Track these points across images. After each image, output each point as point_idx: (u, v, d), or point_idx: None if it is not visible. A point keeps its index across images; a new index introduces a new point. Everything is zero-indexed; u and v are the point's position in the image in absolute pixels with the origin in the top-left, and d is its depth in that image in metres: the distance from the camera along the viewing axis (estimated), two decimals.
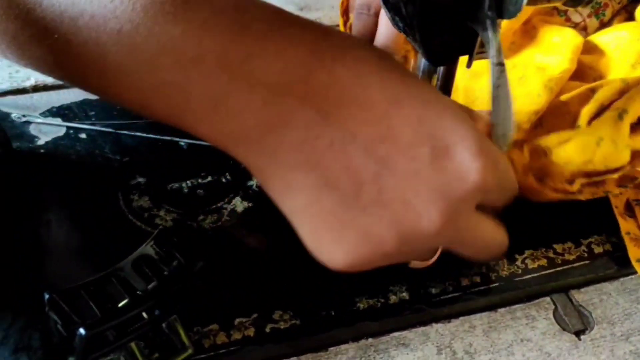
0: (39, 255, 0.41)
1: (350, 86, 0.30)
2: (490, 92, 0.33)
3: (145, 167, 0.47)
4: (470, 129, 0.31)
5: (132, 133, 0.49)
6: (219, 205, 0.45)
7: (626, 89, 0.47)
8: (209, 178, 0.47)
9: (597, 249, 0.44)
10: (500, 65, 0.33)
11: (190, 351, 0.36)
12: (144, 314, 0.34)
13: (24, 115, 0.50)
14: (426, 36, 0.34)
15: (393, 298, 0.40)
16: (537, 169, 0.46)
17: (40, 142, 0.48)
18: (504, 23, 0.51)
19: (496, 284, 0.42)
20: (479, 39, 0.35)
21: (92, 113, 0.50)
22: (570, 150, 0.45)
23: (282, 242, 0.42)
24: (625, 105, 0.47)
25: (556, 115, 0.48)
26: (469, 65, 0.36)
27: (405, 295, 0.41)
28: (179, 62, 0.30)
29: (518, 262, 0.43)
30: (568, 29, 0.52)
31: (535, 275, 0.42)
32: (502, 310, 0.41)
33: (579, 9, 0.57)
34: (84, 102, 0.51)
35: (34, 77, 0.53)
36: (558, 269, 0.43)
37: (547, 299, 0.41)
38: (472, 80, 0.50)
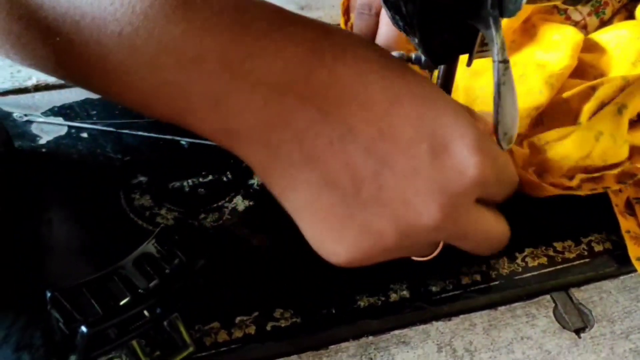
0: (41, 253, 0.41)
1: (350, 85, 0.30)
2: (494, 90, 0.33)
3: (147, 166, 0.47)
4: (469, 125, 0.32)
5: (134, 132, 0.49)
6: (220, 203, 0.45)
7: (627, 86, 0.47)
8: (210, 177, 0.47)
9: (597, 247, 0.44)
10: (504, 62, 0.33)
11: (191, 349, 0.36)
12: (146, 312, 0.35)
13: (25, 115, 0.50)
14: (426, 35, 0.34)
15: (393, 296, 0.40)
16: (537, 164, 0.46)
17: (42, 141, 0.48)
18: (505, 22, 0.51)
19: (496, 282, 0.42)
20: (478, 38, 0.35)
21: (94, 112, 0.51)
22: (568, 145, 0.45)
23: (283, 240, 0.43)
24: (625, 101, 0.47)
25: (557, 113, 0.48)
26: (469, 64, 0.36)
27: (405, 293, 0.41)
28: (180, 62, 0.30)
29: (518, 261, 0.43)
30: (568, 26, 0.52)
31: (536, 273, 0.42)
32: (502, 308, 0.41)
33: (579, 7, 0.57)
34: (86, 102, 0.51)
35: (36, 76, 0.54)
36: (558, 267, 0.43)
37: (547, 297, 0.41)
38: (472, 80, 0.51)
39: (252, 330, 0.38)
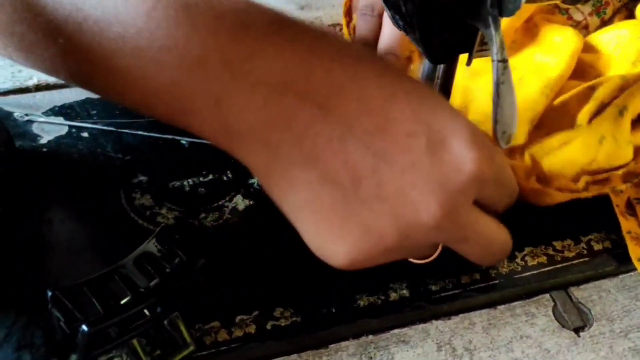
0: (42, 253, 0.41)
1: (348, 84, 0.31)
2: (493, 89, 0.33)
3: (147, 166, 0.47)
4: (464, 122, 0.32)
5: (134, 132, 0.49)
6: (220, 203, 0.45)
7: (626, 86, 0.47)
8: (211, 176, 0.47)
9: (597, 246, 0.45)
10: (503, 62, 0.33)
11: (191, 348, 0.37)
12: (146, 311, 0.35)
13: (26, 114, 0.50)
14: (426, 34, 0.34)
15: (393, 295, 0.41)
16: (540, 173, 0.46)
17: (43, 140, 0.48)
18: (506, 21, 0.52)
19: (496, 281, 0.42)
20: (478, 37, 0.35)
21: (94, 112, 0.51)
22: (573, 151, 0.45)
23: (283, 239, 0.43)
24: (625, 102, 0.47)
25: (556, 116, 0.48)
26: (468, 63, 0.36)
27: (405, 292, 0.41)
28: (182, 63, 0.30)
29: (518, 260, 0.43)
30: (569, 28, 0.52)
31: (535, 272, 0.43)
32: (501, 307, 0.41)
33: (581, 7, 0.57)
34: (86, 101, 0.52)
35: (37, 76, 0.54)
36: (557, 266, 0.43)
37: (547, 296, 0.41)
38: (471, 80, 0.51)
39: (252, 329, 0.38)
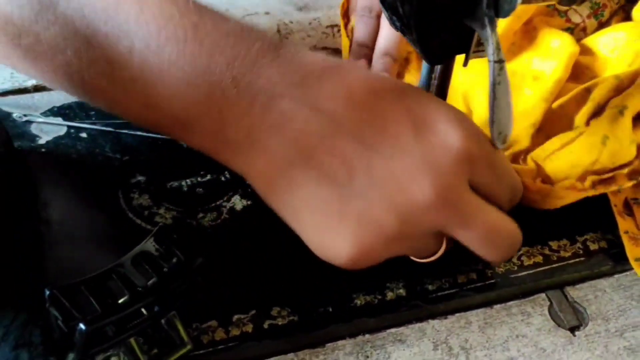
0: (40, 252, 0.42)
1: (335, 86, 0.33)
2: (489, 89, 0.34)
3: (145, 166, 0.47)
4: (447, 106, 0.34)
5: (132, 132, 0.49)
6: (218, 203, 0.45)
7: (620, 85, 0.48)
8: (208, 176, 0.47)
9: (593, 246, 0.45)
10: (499, 62, 0.33)
11: (189, 347, 0.37)
12: (144, 310, 0.35)
13: (25, 115, 0.50)
14: (423, 35, 0.34)
15: (390, 294, 0.41)
16: (544, 175, 0.46)
17: (42, 141, 0.49)
18: (506, 23, 0.52)
19: (492, 281, 0.42)
20: (475, 38, 0.35)
21: (93, 112, 0.51)
22: (577, 152, 0.45)
23: (280, 239, 0.43)
24: (625, 102, 0.47)
25: (555, 119, 0.48)
26: (465, 63, 0.37)
27: (402, 291, 0.41)
28: (187, 77, 0.33)
29: (514, 259, 0.43)
30: (566, 34, 0.52)
31: (531, 272, 0.43)
32: (497, 306, 0.41)
33: (579, 10, 0.58)
34: (85, 102, 0.52)
35: None
36: (553, 265, 0.43)
37: (543, 295, 0.42)
38: (471, 87, 0.51)
39: (249, 328, 0.39)
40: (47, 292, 0.34)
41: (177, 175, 0.47)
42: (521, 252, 0.44)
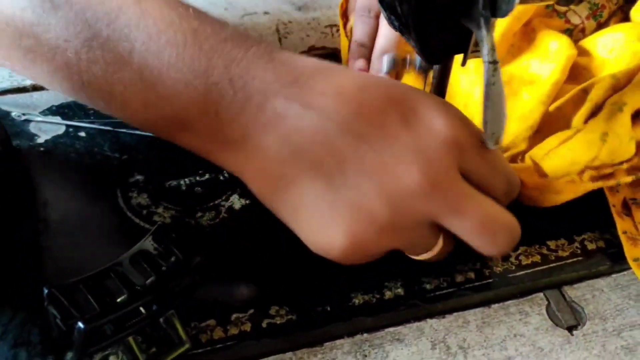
0: (39, 251, 0.42)
1: (328, 81, 0.34)
2: (483, 90, 0.34)
3: (144, 165, 0.47)
4: (435, 97, 0.35)
5: (131, 131, 0.49)
6: (216, 202, 0.45)
7: (617, 84, 0.48)
8: (207, 176, 0.47)
9: (591, 246, 0.45)
10: (494, 63, 0.33)
11: (187, 346, 0.37)
12: (142, 309, 0.35)
13: (24, 114, 0.50)
14: (422, 35, 0.35)
15: (388, 294, 0.41)
16: (542, 173, 0.46)
17: (40, 140, 0.49)
18: (506, 24, 0.52)
19: (490, 280, 0.42)
20: (473, 37, 0.36)
21: (91, 112, 0.51)
22: (575, 149, 0.45)
23: (278, 238, 0.43)
24: (623, 99, 0.47)
25: (552, 121, 0.48)
26: (463, 63, 0.37)
27: (400, 291, 0.41)
28: (186, 79, 0.34)
29: (512, 259, 0.43)
30: (564, 36, 0.52)
31: (529, 271, 0.43)
32: (495, 306, 0.41)
33: (578, 11, 0.58)
34: None
35: None
36: (551, 265, 0.43)
37: (540, 294, 0.42)
38: (471, 88, 0.51)
39: (247, 327, 0.39)
40: (46, 291, 0.34)
41: (176, 175, 0.47)
42: (519, 251, 0.44)
